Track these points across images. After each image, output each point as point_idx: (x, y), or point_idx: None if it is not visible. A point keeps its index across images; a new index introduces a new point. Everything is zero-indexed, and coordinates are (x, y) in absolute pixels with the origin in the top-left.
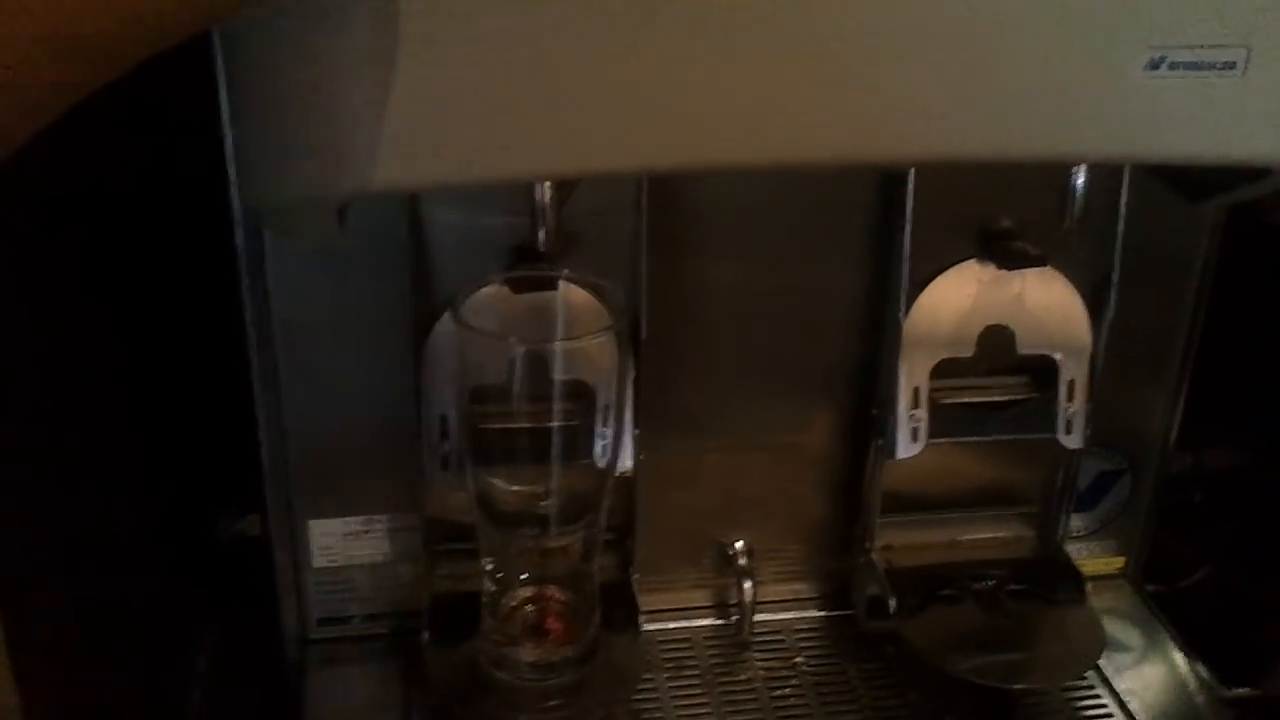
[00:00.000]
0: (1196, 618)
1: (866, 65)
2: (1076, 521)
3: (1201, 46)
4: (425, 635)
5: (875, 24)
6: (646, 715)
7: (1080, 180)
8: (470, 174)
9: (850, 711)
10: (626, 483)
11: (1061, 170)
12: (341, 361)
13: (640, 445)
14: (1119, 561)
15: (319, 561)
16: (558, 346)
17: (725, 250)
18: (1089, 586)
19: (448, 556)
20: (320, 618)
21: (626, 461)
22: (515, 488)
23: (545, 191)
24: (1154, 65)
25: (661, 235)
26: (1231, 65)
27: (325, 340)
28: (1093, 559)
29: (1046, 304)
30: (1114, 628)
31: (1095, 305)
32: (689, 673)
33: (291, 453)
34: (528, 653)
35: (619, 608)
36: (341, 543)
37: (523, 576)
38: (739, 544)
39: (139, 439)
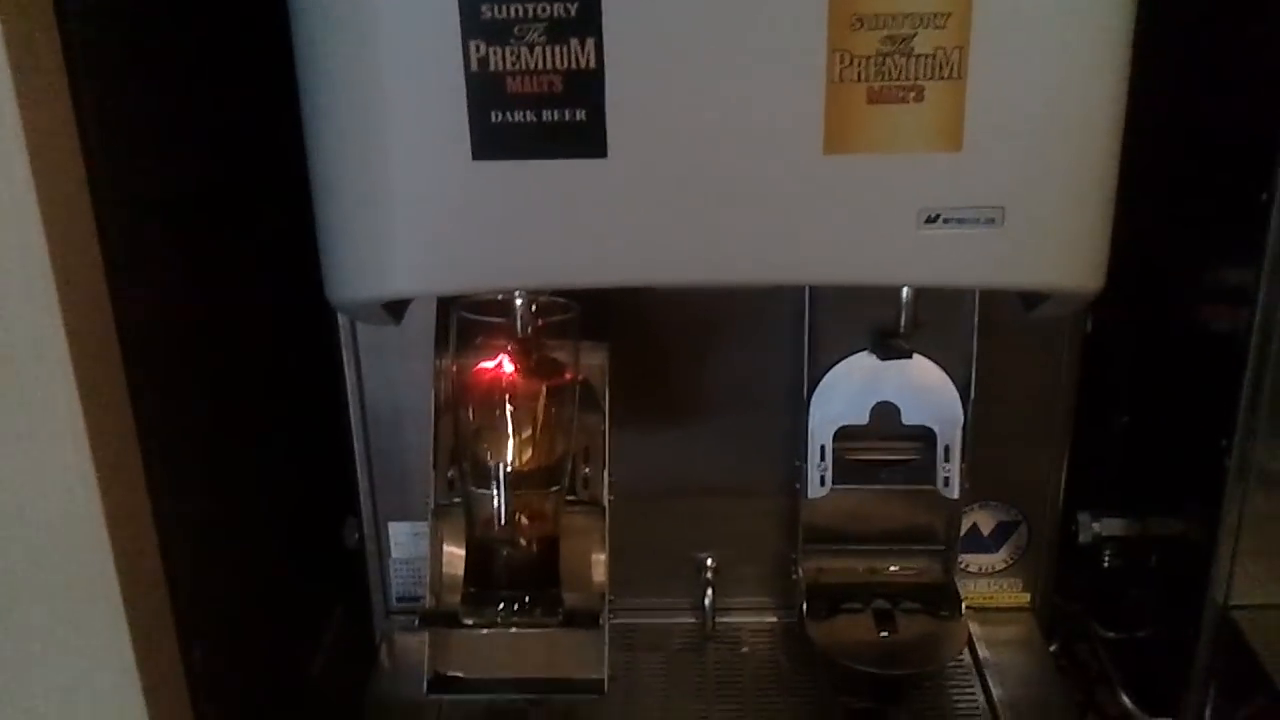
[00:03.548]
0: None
1: (734, 214)
2: (989, 560)
3: (968, 208)
4: None
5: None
6: (623, 684)
7: (905, 298)
8: (480, 283)
9: (773, 689)
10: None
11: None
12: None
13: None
14: (1025, 596)
15: (396, 554)
16: None
17: (686, 338)
18: (964, 606)
19: None
20: (398, 596)
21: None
22: None
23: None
24: (930, 220)
25: (627, 327)
26: (992, 220)
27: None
28: (1004, 593)
29: (924, 386)
30: (1006, 644)
31: (965, 386)
32: (659, 654)
33: (376, 473)
34: None
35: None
36: (411, 540)
37: None
38: (709, 560)
39: (291, 463)
